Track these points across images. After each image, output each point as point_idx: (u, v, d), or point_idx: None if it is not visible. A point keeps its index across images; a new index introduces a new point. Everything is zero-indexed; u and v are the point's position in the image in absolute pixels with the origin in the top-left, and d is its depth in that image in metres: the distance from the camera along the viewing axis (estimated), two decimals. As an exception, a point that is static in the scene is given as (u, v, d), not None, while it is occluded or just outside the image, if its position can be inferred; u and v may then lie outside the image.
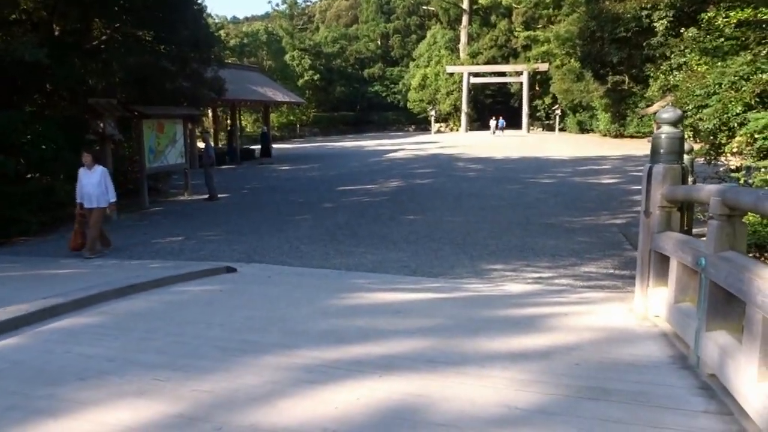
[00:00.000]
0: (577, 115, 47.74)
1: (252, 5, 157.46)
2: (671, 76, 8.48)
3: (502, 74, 52.43)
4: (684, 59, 8.09)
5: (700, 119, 6.75)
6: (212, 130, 32.92)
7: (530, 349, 3.63)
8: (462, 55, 56.13)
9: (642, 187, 4.50)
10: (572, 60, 38.30)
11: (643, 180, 4.41)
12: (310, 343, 3.75)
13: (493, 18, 57.27)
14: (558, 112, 47.25)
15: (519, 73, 49.78)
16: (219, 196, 15.40)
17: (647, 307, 4.44)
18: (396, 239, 9.42)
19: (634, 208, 12.99)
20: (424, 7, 64.15)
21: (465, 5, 57.39)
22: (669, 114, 4.24)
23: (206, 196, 15.21)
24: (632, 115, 39.88)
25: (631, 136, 40.49)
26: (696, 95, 6.64)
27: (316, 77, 52.94)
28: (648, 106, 8.63)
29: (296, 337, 3.94)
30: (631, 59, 14.10)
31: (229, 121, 28.88)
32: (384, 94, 61.84)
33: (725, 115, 6.58)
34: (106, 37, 13.96)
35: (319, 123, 57.01)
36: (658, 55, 10.56)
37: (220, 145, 31.65)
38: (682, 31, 9.28)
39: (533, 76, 49.71)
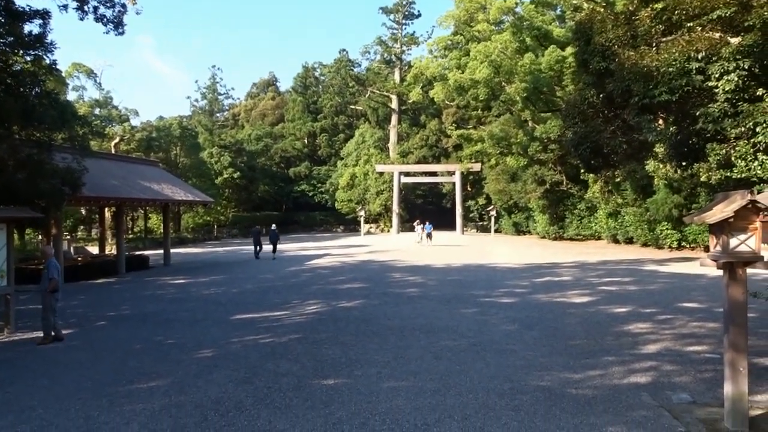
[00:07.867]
0: (513, 216, 45.99)
1: (180, 107, 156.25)
2: (756, 162, 4.99)
3: (434, 174, 50.71)
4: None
5: None
6: (100, 233, 27.76)
7: None
8: (392, 154, 54.47)
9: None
10: (508, 159, 36.52)
11: None
12: None
13: (422, 118, 56.59)
14: (493, 213, 45.26)
15: (451, 173, 48.15)
16: (64, 332, 10.62)
17: None
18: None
19: (642, 349, 9.27)
20: (352, 107, 63.14)
21: (394, 105, 56.61)
22: None
23: (40, 335, 10.34)
24: (571, 216, 38.06)
25: (571, 239, 38.45)
26: None
27: (236, 175, 49.01)
28: (703, 210, 4.92)
29: None
30: (669, 137, 10.72)
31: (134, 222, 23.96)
32: (311, 194, 58.65)
33: None
34: None
35: (240, 223, 52.38)
36: (720, 129, 7.26)
37: (107, 252, 26.41)
38: (760, 93, 6.08)
39: (466, 175, 48.20)
